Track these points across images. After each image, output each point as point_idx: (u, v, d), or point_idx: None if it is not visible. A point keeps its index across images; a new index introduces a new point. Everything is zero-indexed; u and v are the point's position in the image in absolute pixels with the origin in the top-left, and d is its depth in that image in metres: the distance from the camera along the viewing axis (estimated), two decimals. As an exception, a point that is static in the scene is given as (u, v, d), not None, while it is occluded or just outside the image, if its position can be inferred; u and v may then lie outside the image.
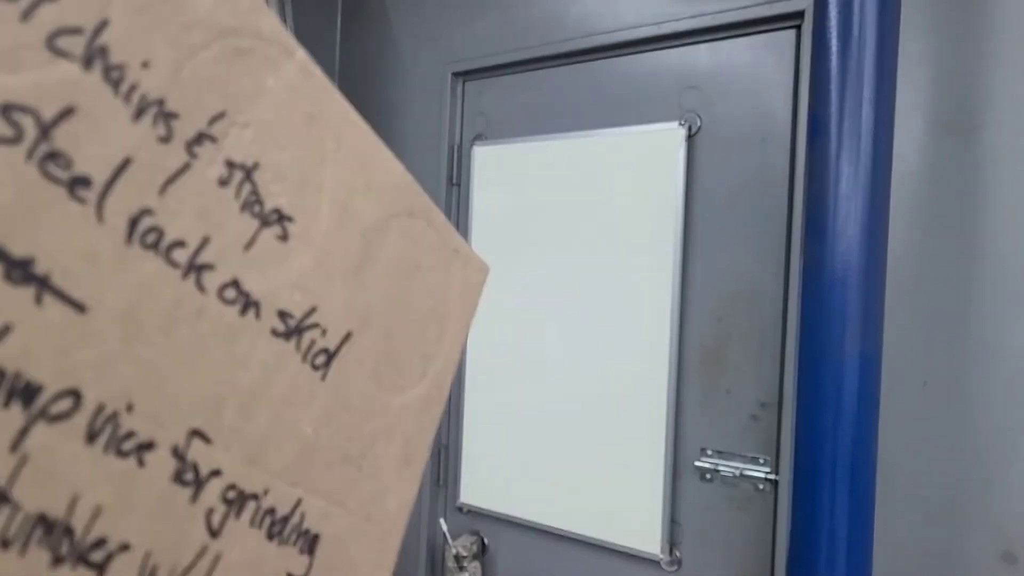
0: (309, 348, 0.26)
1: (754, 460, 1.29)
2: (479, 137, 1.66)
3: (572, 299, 1.47)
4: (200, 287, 0.21)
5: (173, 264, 0.20)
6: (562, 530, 1.47)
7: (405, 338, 0.31)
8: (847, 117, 0.96)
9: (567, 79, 1.54)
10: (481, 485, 1.61)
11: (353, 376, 0.28)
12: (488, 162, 1.62)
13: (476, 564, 1.58)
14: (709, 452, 1.34)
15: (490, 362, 1.58)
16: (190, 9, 0.20)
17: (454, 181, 1.70)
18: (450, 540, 1.60)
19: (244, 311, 0.23)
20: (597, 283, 1.44)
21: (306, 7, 1.73)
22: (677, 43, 1.40)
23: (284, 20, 1.55)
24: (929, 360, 1.13)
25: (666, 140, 1.37)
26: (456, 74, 1.68)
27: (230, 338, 0.23)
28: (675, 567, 1.36)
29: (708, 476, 1.34)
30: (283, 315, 0.24)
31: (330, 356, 0.27)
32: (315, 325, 0.26)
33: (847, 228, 0.95)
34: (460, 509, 1.65)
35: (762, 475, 1.27)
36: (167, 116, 0.20)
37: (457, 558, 1.56)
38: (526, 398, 1.54)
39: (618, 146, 1.43)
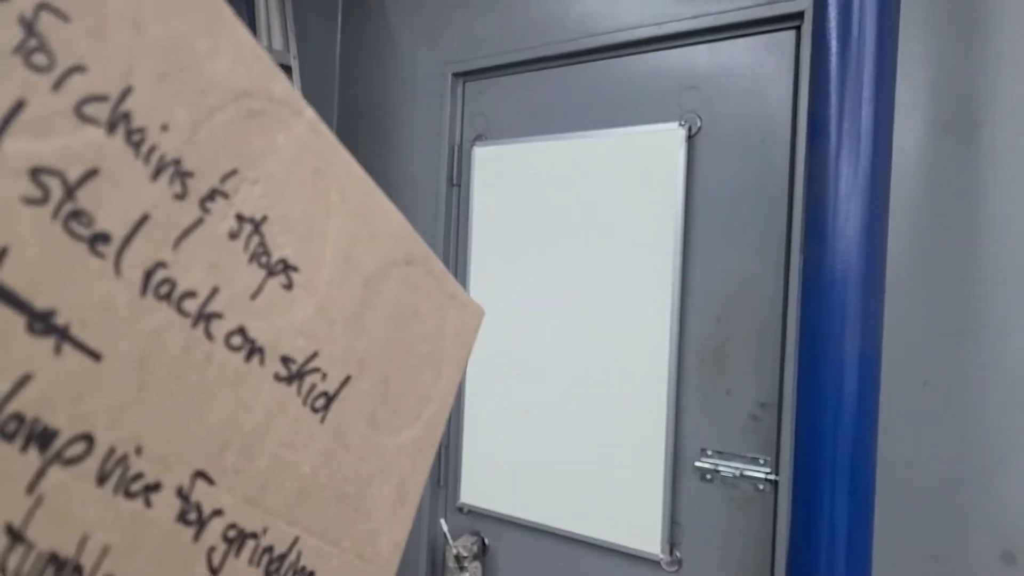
0: (310, 392, 0.27)
1: (754, 460, 1.30)
2: (479, 138, 1.66)
3: (572, 300, 1.48)
4: (208, 335, 0.22)
5: (184, 313, 0.21)
6: (563, 530, 1.48)
7: (402, 381, 0.32)
8: (847, 117, 0.96)
9: (567, 79, 1.54)
10: (481, 485, 1.62)
11: (351, 418, 0.29)
12: (488, 163, 1.62)
13: (477, 564, 1.59)
14: (709, 452, 1.34)
15: (490, 363, 1.59)
16: (208, 73, 0.21)
17: (454, 182, 1.70)
18: (451, 540, 1.60)
19: (249, 357, 0.24)
20: (597, 284, 1.44)
21: (306, 7, 1.72)
22: (677, 43, 1.39)
23: (284, 21, 1.55)
24: (929, 360, 1.14)
25: (666, 140, 1.37)
26: (456, 74, 1.68)
27: (236, 383, 0.23)
28: (675, 567, 1.37)
29: (708, 476, 1.34)
30: (286, 360, 0.25)
31: (329, 399, 0.28)
32: (316, 370, 0.27)
33: (847, 228, 0.95)
34: (460, 509, 1.66)
35: (762, 475, 1.28)
36: (183, 175, 0.20)
37: (458, 558, 1.57)
38: (527, 398, 1.54)
39: (618, 146, 1.43)
